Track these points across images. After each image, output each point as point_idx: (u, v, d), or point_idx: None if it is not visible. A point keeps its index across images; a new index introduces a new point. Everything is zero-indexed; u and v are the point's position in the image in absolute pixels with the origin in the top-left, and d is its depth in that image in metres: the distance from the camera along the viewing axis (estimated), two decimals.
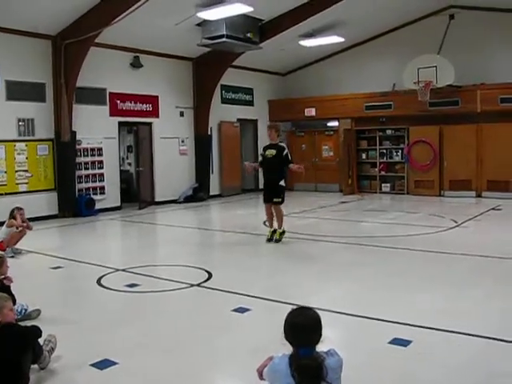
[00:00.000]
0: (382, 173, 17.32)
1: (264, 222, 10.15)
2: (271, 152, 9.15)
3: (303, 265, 7.54)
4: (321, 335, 2.79)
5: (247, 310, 5.35)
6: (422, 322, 4.79)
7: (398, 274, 6.83)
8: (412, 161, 16.34)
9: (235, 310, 5.33)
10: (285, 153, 9.07)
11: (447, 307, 5.37)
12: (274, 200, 9.08)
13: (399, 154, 17.00)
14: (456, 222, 10.77)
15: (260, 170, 9.84)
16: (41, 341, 3.95)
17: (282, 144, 9.40)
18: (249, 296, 5.82)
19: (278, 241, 9.04)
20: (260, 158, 9.70)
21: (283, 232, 9.13)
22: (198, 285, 6.39)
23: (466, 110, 15.06)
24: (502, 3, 14.65)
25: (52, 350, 4.11)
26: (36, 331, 3.78)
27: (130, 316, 5.37)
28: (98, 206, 13.21)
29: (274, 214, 9.18)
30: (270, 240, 9.11)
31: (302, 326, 2.78)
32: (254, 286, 6.29)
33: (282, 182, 9.16)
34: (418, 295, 5.79)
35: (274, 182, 9.12)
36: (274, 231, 9.15)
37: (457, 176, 15.52)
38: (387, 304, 5.51)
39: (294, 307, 2.93)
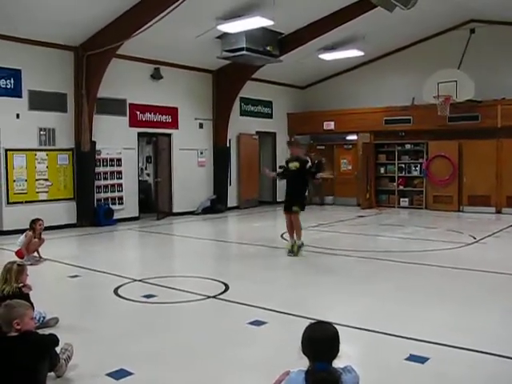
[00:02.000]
0: (401, 187, 17.23)
1: (281, 235, 10.12)
2: (295, 164, 9.13)
3: (320, 278, 7.49)
4: (338, 350, 2.78)
5: (264, 323, 5.33)
6: (439, 339, 4.72)
7: (415, 289, 6.76)
8: (431, 175, 16.24)
9: (251, 323, 5.30)
10: (308, 165, 9.06)
11: (465, 324, 5.30)
12: (293, 209, 9.04)
13: (418, 168, 16.91)
14: (474, 238, 10.65)
15: (278, 179, 9.84)
16: (58, 349, 3.97)
17: (304, 157, 9.39)
18: (265, 309, 5.78)
19: (296, 253, 8.98)
20: (279, 170, 9.68)
21: (302, 244, 9.07)
22: (215, 297, 6.38)
23: (486, 125, 14.96)
24: None
25: (69, 358, 4.13)
26: (53, 339, 3.80)
27: (146, 326, 5.37)
28: (116, 216, 13.30)
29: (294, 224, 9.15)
30: (291, 252, 9.02)
31: (320, 340, 2.78)
32: (271, 299, 6.25)
33: (305, 192, 9.18)
34: (435, 311, 5.72)
35: (296, 193, 9.13)
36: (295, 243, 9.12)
37: (476, 191, 15.38)
38: (404, 320, 5.45)
39: (313, 321, 2.92)
